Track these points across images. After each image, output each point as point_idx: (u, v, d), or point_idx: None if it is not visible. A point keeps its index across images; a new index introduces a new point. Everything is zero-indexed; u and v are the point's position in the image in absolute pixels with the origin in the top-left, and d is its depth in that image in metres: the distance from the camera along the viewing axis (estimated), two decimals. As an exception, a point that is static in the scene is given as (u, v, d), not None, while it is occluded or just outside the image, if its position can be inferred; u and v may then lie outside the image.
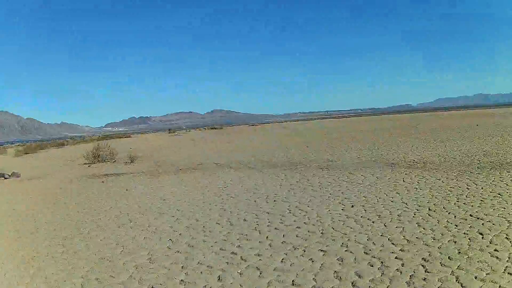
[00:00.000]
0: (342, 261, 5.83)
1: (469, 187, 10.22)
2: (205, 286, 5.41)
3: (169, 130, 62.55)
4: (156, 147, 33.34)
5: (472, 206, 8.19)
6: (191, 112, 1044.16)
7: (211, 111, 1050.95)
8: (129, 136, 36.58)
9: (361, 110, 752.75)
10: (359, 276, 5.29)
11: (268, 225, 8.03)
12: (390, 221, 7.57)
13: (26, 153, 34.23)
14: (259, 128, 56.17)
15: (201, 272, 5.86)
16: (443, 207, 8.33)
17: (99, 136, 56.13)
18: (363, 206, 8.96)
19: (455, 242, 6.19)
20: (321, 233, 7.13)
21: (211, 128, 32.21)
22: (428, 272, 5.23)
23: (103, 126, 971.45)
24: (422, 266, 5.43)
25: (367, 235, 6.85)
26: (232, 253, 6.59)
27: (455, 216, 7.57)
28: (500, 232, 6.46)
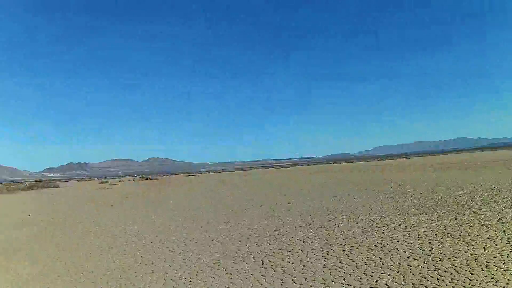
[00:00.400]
0: None
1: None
2: None
3: (104, 177, 59.27)
4: (66, 211, 24.25)
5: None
6: (128, 159, 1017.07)
7: (148, 159, 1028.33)
8: (57, 186, 33.55)
9: (298, 159, 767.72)
10: None
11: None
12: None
13: None
14: (195, 180, 54.19)
15: None
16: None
17: (26, 185, 51.54)
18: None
19: None
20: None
21: (146, 179, 29.59)
22: None
23: (42, 171, 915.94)
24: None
25: None
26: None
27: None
28: None
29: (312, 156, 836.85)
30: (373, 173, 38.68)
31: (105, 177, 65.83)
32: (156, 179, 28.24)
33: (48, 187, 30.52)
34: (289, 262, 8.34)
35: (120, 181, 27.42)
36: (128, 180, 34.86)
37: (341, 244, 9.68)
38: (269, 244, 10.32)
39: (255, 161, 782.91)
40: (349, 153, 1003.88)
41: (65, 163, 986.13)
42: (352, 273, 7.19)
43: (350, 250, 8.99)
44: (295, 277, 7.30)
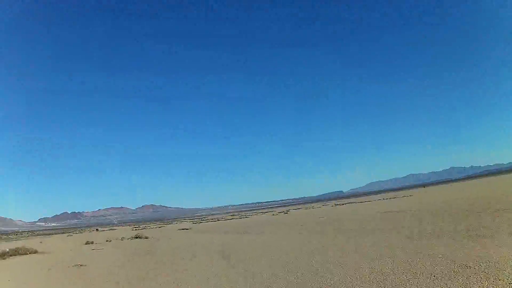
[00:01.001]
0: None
1: None
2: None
3: (96, 229, 55.26)
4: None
5: None
6: (122, 207, 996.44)
7: (142, 206, 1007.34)
8: (35, 252, 29.32)
9: (292, 199, 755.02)
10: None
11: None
12: None
13: None
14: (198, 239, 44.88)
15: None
16: None
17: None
18: None
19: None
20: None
21: (135, 237, 24.97)
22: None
23: (36, 220, 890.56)
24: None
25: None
26: None
27: None
28: None
29: (304, 196, 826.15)
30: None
31: (97, 229, 61.18)
32: (146, 237, 23.97)
33: (25, 253, 26.56)
34: None
35: (107, 240, 23.62)
36: (117, 239, 30.52)
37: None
38: None
39: (248, 204, 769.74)
40: (342, 190, 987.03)
41: (60, 213, 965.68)
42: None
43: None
44: None
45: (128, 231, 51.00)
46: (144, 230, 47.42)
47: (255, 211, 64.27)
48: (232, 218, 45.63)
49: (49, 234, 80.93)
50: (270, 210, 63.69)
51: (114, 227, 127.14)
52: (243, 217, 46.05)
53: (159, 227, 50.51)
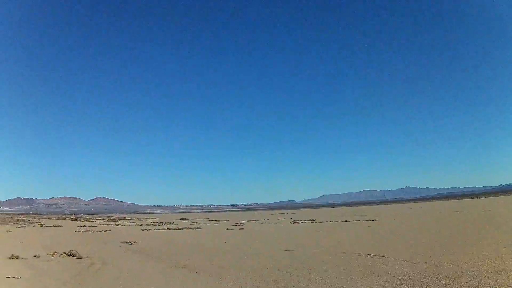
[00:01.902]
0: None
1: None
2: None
3: (41, 224, 43.37)
4: None
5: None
6: (75, 197, 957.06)
7: (94, 198, 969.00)
8: None
9: (243, 205, 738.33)
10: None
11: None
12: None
13: None
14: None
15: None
16: None
17: None
18: None
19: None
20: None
21: (69, 254, 15.65)
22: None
23: None
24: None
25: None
26: None
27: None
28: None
29: (256, 203, 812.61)
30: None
31: (41, 224, 49.54)
32: (80, 257, 14.74)
33: None
34: None
35: (35, 255, 15.03)
36: (48, 254, 20.08)
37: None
38: None
39: (198, 205, 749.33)
40: (295, 200, 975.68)
41: (13, 198, 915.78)
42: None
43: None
44: None
45: (73, 227, 40.12)
46: (89, 230, 35.72)
47: (204, 218, 50.49)
48: (184, 228, 34.07)
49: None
50: (220, 218, 49.29)
51: (64, 217, 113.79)
52: (195, 228, 34.13)
53: (105, 227, 38.39)
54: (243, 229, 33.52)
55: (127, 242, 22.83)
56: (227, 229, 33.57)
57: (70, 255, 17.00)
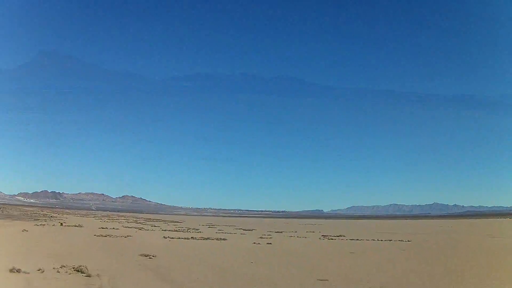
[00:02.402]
0: None
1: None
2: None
3: (61, 224, 42.24)
4: None
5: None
6: (103, 194, 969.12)
7: (122, 196, 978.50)
8: None
9: (271, 211, 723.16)
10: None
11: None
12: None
13: None
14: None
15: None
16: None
17: None
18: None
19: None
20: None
21: (77, 270, 13.75)
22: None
23: (16, 194, 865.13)
24: None
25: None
26: None
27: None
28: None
29: (284, 210, 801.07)
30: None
31: (61, 223, 48.05)
32: (89, 275, 12.84)
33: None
34: None
35: (39, 269, 13.56)
36: (54, 268, 18.32)
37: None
38: None
39: (226, 209, 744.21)
40: (322, 210, 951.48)
41: (40, 190, 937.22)
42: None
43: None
44: None
45: (94, 228, 38.25)
46: (109, 234, 33.67)
47: (231, 225, 47.20)
48: (208, 238, 31.64)
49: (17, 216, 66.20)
50: (247, 226, 45.79)
51: (89, 215, 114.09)
52: (221, 239, 31.65)
53: (127, 231, 36.31)
54: (270, 243, 30.78)
55: (145, 255, 20.50)
56: (254, 243, 30.86)
57: (78, 271, 14.76)
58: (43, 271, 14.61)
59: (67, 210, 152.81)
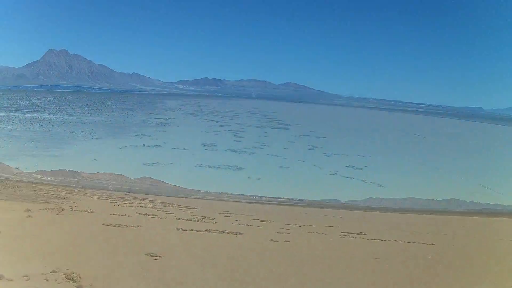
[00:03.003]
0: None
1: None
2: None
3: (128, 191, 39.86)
4: None
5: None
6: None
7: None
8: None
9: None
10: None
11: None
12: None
13: None
14: None
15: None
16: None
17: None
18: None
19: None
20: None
21: (68, 278, 11.97)
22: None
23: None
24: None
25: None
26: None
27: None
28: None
29: (301, 199, 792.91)
30: None
31: (71, 208, 46.39)
32: (90, 285, 11.32)
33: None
34: None
35: (25, 275, 11.67)
36: (43, 274, 17.25)
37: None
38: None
39: (244, 195, 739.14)
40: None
41: (58, 169, 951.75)
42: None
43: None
44: None
45: (105, 214, 35.74)
46: (118, 224, 31.88)
47: (248, 214, 40.40)
48: (223, 232, 30.03)
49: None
50: (264, 217, 40.73)
51: (104, 196, 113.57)
52: (236, 233, 30.11)
53: (138, 219, 34.21)
54: (288, 241, 28.41)
55: (152, 255, 18.41)
56: (271, 240, 28.62)
57: (69, 279, 12.75)
58: (29, 278, 12.66)
59: (84, 190, 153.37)
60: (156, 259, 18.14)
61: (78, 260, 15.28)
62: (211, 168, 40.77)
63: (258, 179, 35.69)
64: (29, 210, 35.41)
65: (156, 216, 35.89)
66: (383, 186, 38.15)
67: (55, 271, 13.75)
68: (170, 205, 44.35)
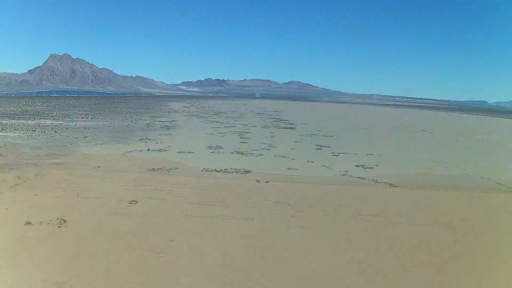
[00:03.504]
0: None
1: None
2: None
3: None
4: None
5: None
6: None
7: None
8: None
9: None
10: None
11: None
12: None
13: None
14: None
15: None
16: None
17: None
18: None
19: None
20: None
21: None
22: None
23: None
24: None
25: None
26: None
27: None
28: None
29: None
30: None
31: (78, 195, 44.81)
32: None
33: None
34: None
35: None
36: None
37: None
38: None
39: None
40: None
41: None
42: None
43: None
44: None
45: (114, 202, 32.69)
46: (126, 212, 30.08)
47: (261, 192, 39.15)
48: (234, 218, 29.33)
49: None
50: (276, 198, 39.31)
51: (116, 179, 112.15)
52: (248, 218, 29.29)
53: (149, 206, 31.91)
54: (304, 227, 26.85)
55: (156, 252, 17.51)
56: (286, 227, 27.05)
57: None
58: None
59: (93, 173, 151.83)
60: (160, 256, 17.01)
61: (74, 266, 14.19)
62: (218, 172, 39.80)
63: (267, 182, 35.07)
64: (34, 192, 33.83)
65: (167, 200, 34.75)
66: (395, 186, 36.94)
67: (44, 281, 12.43)
68: (182, 185, 43.16)
